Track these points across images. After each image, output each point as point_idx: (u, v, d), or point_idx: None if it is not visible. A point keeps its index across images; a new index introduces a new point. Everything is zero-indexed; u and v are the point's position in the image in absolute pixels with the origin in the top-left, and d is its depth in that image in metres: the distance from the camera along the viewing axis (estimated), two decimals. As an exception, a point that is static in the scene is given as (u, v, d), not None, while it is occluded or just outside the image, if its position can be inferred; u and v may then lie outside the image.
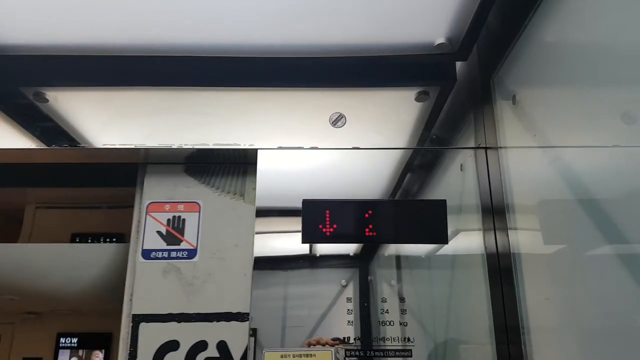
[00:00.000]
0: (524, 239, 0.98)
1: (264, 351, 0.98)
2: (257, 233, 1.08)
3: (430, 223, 1.06)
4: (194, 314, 1.06)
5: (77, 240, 2.39)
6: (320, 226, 1.07)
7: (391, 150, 1.13)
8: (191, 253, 1.11)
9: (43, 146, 1.10)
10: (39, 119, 1.13)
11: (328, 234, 1.06)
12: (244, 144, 1.12)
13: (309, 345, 1.00)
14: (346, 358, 1.00)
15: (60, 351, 3.50)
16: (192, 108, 1.13)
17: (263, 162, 1.12)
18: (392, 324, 1.02)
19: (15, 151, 1.09)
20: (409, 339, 1.00)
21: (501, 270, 1.02)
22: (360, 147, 1.13)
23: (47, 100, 1.13)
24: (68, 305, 3.28)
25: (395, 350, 1.00)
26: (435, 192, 1.12)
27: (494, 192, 1.07)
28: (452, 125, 1.17)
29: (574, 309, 0.81)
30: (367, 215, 1.07)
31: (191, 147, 1.10)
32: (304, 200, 1.08)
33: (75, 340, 3.50)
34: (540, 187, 0.92)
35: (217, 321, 1.05)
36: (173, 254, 1.11)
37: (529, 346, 0.93)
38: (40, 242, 2.23)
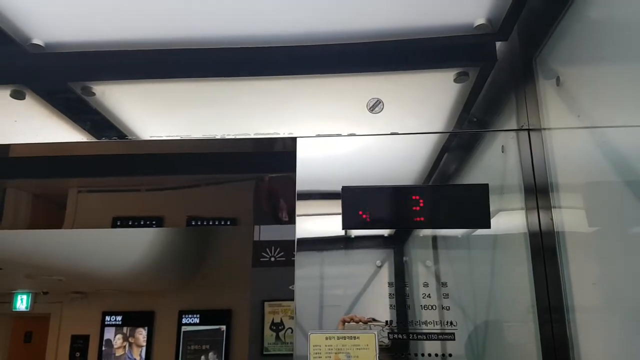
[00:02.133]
0: (569, 218, 0.97)
1: (309, 333, 1.01)
2: (298, 215, 1.10)
3: (472, 207, 1.06)
4: None
5: (118, 223, 2.49)
6: (360, 212, 1.08)
7: (430, 134, 1.13)
8: None
9: (93, 139, 1.15)
10: (88, 113, 1.18)
11: (368, 219, 1.08)
12: (283, 132, 1.13)
13: (344, 322, 1.03)
14: (389, 340, 1.02)
15: (106, 329, 3.70)
16: (232, 99, 1.15)
17: (302, 150, 1.13)
18: (434, 307, 1.03)
19: (67, 144, 1.14)
20: (450, 323, 1.02)
21: (544, 249, 1.02)
22: (399, 132, 1.13)
23: (94, 94, 1.18)
24: (112, 286, 3.45)
25: (438, 334, 1.01)
26: (476, 174, 1.11)
27: (537, 173, 1.06)
28: (492, 106, 1.15)
29: (618, 289, 0.81)
30: (406, 201, 1.08)
31: (233, 137, 1.13)
32: (343, 187, 1.09)
33: (119, 318, 3.69)
34: (586, 168, 0.91)
35: None
36: None
37: (574, 326, 0.93)
38: (83, 226, 2.34)
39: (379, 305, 1.04)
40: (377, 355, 0.99)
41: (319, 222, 1.12)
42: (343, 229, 1.08)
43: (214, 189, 1.78)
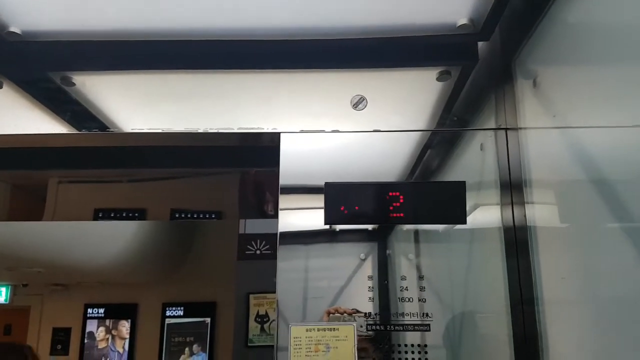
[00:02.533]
0: (541, 214, 1.00)
1: (290, 325, 1.03)
2: (281, 210, 1.11)
3: (449, 204, 1.09)
4: None
5: (100, 215, 2.48)
6: (342, 208, 1.10)
7: (412, 132, 1.15)
8: None
9: (73, 130, 1.14)
10: (68, 103, 1.17)
11: (350, 215, 1.10)
12: (267, 127, 1.14)
13: (329, 314, 1.05)
14: (367, 331, 1.05)
15: (88, 321, 3.67)
16: (216, 92, 1.15)
17: (286, 145, 1.14)
18: (411, 300, 1.06)
19: (47, 136, 1.13)
20: (427, 314, 1.04)
21: (518, 243, 1.05)
22: (381, 129, 1.14)
23: (74, 84, 1.17)
24: (93, 278, 3.42)
25: (414, 325, 1.04)
26: (455, 171, 1.14)
27: (513, 170, 1.09)
28: (472, 105, 1.17)
29: (586, 283, 0.85)
30: (387, 197, 1.10)
31: (216, 130, 1.13)
32: (326, 183, 1.11)
33: (102, 310, 3.66)
34: (558, 167, 0.94)
35: None
36: None
37: (543, 317, 0.97)
38: (63, 218, 2.32)
39: (363, 297, 1.06)
40: (356, 346, 1.02)
41: (302, 216, 1.14)
42: (325, 224, 1.10)
43: (198, 182, 1.78)
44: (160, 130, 1.11)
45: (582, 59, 0.87)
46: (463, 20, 1.06)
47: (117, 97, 1.15)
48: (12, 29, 1.03)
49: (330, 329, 1.03)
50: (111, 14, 1.03)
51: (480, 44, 1.17)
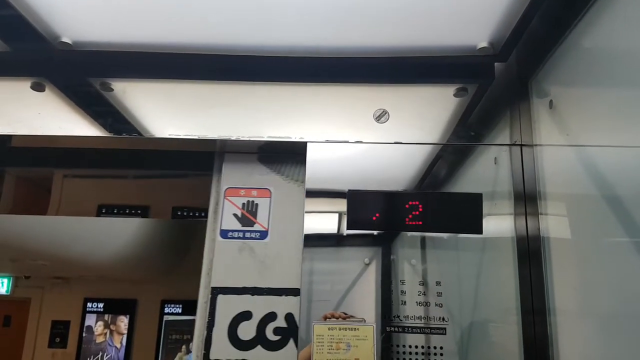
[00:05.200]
0: (554, 226, 1.04)
1: (313, 323, 1.09)
2: (307, 212, 1.17)
3: (466, 214, 1.15)
4: (265, 288, 1.19)
5: (103, 211, 2.51)
6: (364, 214, 1.16)
7: (430, 145, 1.21)
8: (263, 234, 1.24)
9: (109, 134, 1.19)
10: (104, 108, 1.22)
11: (371, 222, 1.16)
12: (294, 136, 1.20)
13: (325, 318, 1.10)
14: (386, 333, 1.10)
15: (87, 315, 3.68)
16: (247, 102, 1.21)
17: (312, 154, 1.20)
18: (420, 304, 1.10)
19: (88, 138, 1.18)
20: (434, 318, 1.09)
21: (530, 253, 1.09)
22: (402, 141, 1.21)
23: (112, 90, 1.22)
24: (94, 272, 3.43)
25: (421, 328, 1.09)
26: (470, 183, 1.19)
27: (527, 183, 1.14)
28: (488, 121, 1.23)
29: (596, 294, 0.89)
30: (407, 206, 1.16)
31: (247, 139, 1.19)
32: (349, 190, 1.17)
33: (101, 305, 3.68)
34: (572, 182, 0.99)
35: (286, 295, 1.19)
36: (247, 235, 1.24)
37: (554, 327, 1.01)
38: (68, 213, 2.35)
39: (366, 300, 1.11)
40: (375, 346, 1.08)
41: (325, 219, 1.19)
42: (348, 229, 1.16)
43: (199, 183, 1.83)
44: (196, 137, 1.17)
45: (597, 82, 0.93)
46: (483, 44, 1.12)
47: (157, 104, 1.21)
48: (64, 39, 1.09)
49: (351, 329, 1.09)
50: (152, 29, 1.08)
51: (497, 64, 1.23)
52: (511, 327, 1.06)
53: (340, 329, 1.09)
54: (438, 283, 1.13)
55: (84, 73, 1.21)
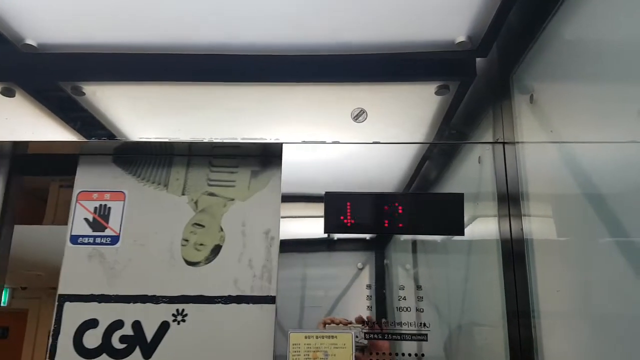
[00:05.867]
0: (537, 227, 1.02)
1: (289, 332, 1.05)
2: (282, 217, 1.13)
3: (448, 215, 1.11)
4: (113, 295, 1.16)
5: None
6: (342, 217, 1.12)
7: (411, 144, 1.18)
8: (114, 239, 1.21)
9: (82, 138, 1.17)
10: (77, 112, 1.20)
11: (349, 224, 1.12)
12: (269, 138, 1.17)
13: (324, 324, 1.06)
14: (366, 340, 1.07)
15: (86, 326, 3.65)
16: (220, 103, 1.18)
17: (288, 155, 1.17)
18: (408, 309, 1.08)
19: (57, 143, 1.16)
20: (424, 324, 1.06)
21: (514, 255, 1.07)
22: (381, 141, 1.17)
23: (84, 94, 1.20)
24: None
25: (412, 335, 1.06)
26: (453, 183, 1.16)
27: (510, 183, 1.11)
28: (470, 119, 1.20)
29: (583, 295, 0.86)
30: (386, 208, 1.13)
31: (220, 140, 1.16)
32: (326, 192, 1.14)
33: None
34: (554, 180, 0.96)
35: (134, 303, 1.16)
36: (98, 240, 1.21)
37: (539, 330, 0.98)
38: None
39: (360, 306, 1.07)
40: (354, 355, 1.03)
41: (302, 224, 1.16)
42: (325, 232, 1.12)
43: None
44: (166, 140, 1.14)
45: (578, 75, 0.89)
46: (461, 38, 1.09)
47: (126, 107, 1.18)
48: (28, 41, 1.07)
49: (328, 337, 1.05)
50: (122, 29, 1.06)
51: (478, 60, 1.20)
52: (497, 329, 1.04)
53: (317, 337, 1.05)
54: (420, 287, 1.09)
55: (53, 77, 1.19)
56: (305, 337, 1.05)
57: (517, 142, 1.11)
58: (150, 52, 1.12)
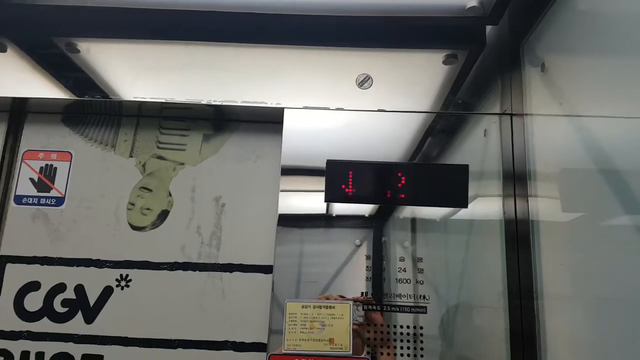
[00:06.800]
0: (544, 206, 0.99)
1: (285, 301, 1.03)
2: (281, 191, 1.10)
3: (452, 187, 1.08)
4: (56, 258, 1.14)
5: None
6: (343, 186, 1.09)
7: (416, 113, 1.14)
8: (59, 201, 1.18)
9: (74, 97, 1.12)
10: (71, 70, 1.15)
11: (350, 194, 1.09)
12: (270, 102, 1.13)
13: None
14: (364, 311, 1.05)
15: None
16: (220, 64, 1.13)
17: (289, 122, 1.13)
18: (408, 281, 1.06)
19: (49, 100, 1.11)
20: (423, 297, 1.04)
21: (519, 236, 1.04)
22: (386, 109, 1.13)
23: (78, 51, 1.14)
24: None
25: (410, 307, 1.04)
26: (457, 156, 1.13)
27: (517, 159, 1.08)
28: (478, 90, 1.17)
29: (587, 277, 0.83)
30: (389, 177, 1.10)
31: (219, 103, 1.12)
32: (328, 160, 1.10)
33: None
34: (564, 156, 0.93)
35: (77, 266, 1.13)
36: (42, 201, 1.18)
37: (542, 311, 0.96)
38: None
39: (357, 282, 1.06)
40: (351, 325, 1.01)
41: (301, 198, 1.13)
42: (325, 201, 1.09)
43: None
44: (163, 100, 1.10)
45: (592, 46, 0.86)
46: (473, 3, 1.04)
47: (121, 65, 1.13)
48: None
49: (326, 307, 1.03)
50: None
51: (488, 28, 1.16)
52: (498, 309, 1.02)
53: (314, 307, 1.03)
54: (420, 259, 1.07)
55: (46, 32, 1.13)
56: (303, 307, 1.03)
57: (526, 114, 1.07)
58: (148, 7, 1.06)
